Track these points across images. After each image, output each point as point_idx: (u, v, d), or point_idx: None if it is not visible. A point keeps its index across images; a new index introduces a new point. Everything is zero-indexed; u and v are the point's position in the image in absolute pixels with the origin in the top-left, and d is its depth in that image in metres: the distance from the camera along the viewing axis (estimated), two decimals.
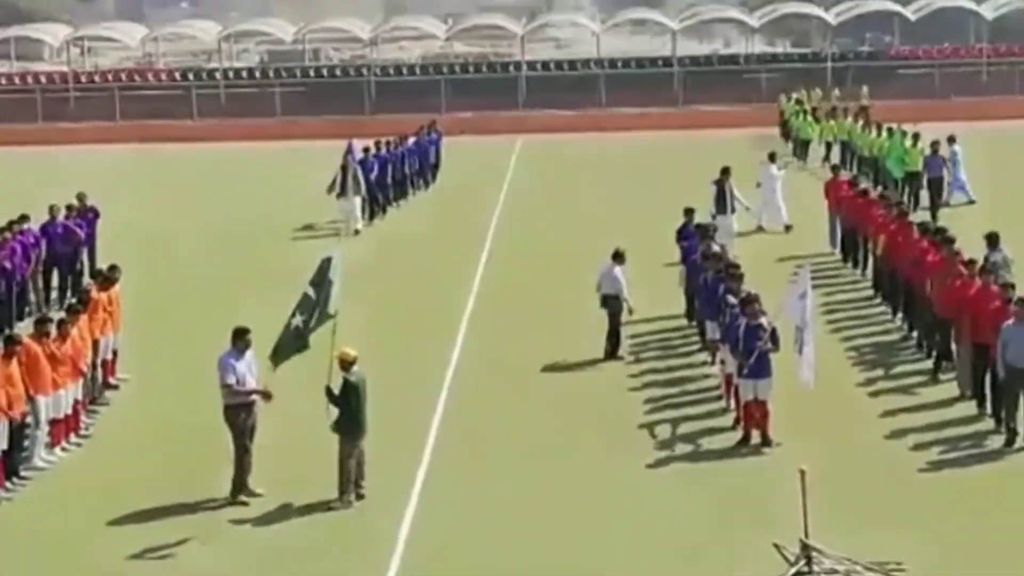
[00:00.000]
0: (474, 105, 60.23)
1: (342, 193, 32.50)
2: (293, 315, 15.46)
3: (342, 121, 57.88)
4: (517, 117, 60.21)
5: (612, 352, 20.91)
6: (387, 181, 35.39)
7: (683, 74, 63.38)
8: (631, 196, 38.11)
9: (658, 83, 62.62)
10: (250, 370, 15.54)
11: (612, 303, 20.95)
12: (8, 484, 15.90)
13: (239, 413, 15.43)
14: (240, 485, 15.45)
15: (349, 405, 15.16)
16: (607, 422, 18.06)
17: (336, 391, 15.25)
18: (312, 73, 67.55)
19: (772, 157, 32.39)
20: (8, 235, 23.80)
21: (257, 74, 67.86)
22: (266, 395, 15.53)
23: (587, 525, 14.78)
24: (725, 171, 28.58)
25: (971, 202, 33.85)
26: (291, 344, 15.40)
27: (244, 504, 15.29)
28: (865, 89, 55.03)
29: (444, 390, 19.67)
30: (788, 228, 30.83)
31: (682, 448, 17.04)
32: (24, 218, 24.65)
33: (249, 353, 15.61)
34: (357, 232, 32.06)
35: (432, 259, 29.49)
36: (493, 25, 73.40)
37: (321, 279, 15.63)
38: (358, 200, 32.74)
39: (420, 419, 18.18)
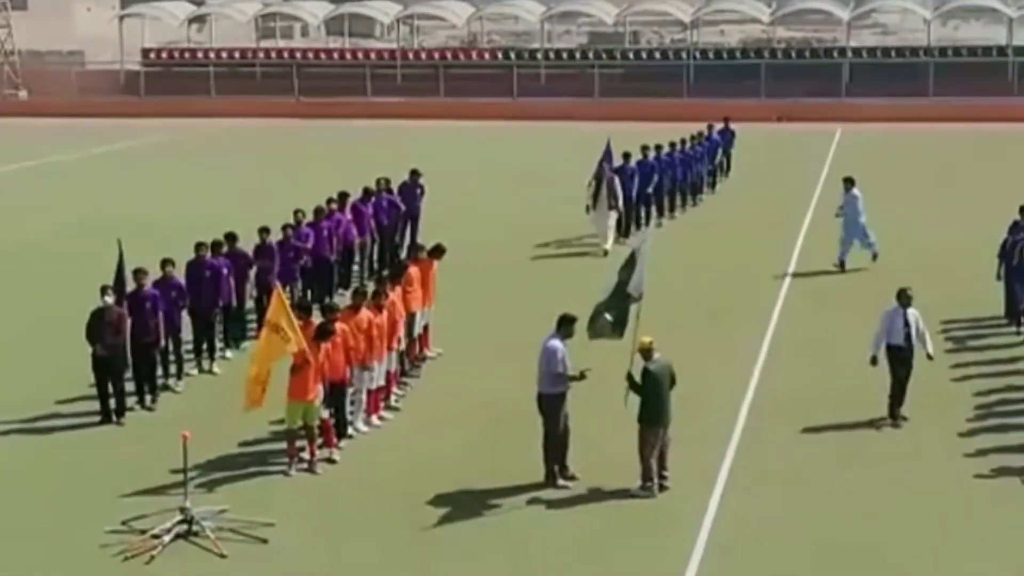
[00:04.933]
0: (794, 91, 59.04)
1: (594, 206, 28.65)
2: (608, 302, 15.36)
3: (660, 104, 57.85)
4: (838, 104, 58.71)
5: (893, 415, 17.41)
6: (649, 191, 30.74)
7: (1019, 64, 60.45)
8: (957, 191, 36.61)
9: (991, 73, 59.94)
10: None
11: (900, 356, 17.37)
12: (340, 446, 16.43)
13: (556, 400, 15.27)
14: (555, 470, 15.34)
15: (648, 393, 14.98)
16: (923, 408, 17.27)
17: (637, 378, 15.08)
18: (631, 56, 67.57)
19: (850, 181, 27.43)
20: (335, 207, 24.56)
21: (577, 55, 68.35)
22: (582, 376, 15.29)
23: (910, 523, 14.17)
24: None
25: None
26: (604, 327, 15.33)
27: (565, 487, 15.22)
28: None
29: (754, 378, 19.29)
30: (875, 256, 26.78)
31: (1009, 459, 16.13)
32: (344, 196, 25.32)
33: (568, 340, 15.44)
34: (606, 253, 27.94)
35: (744, 248, 28.98)
36: (818, 10, 71.75)
37: (630, 264, 15.50)
38: (613, 215, 28.82)
39: (728, 407, 17.85)
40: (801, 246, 28.93)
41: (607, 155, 29.15)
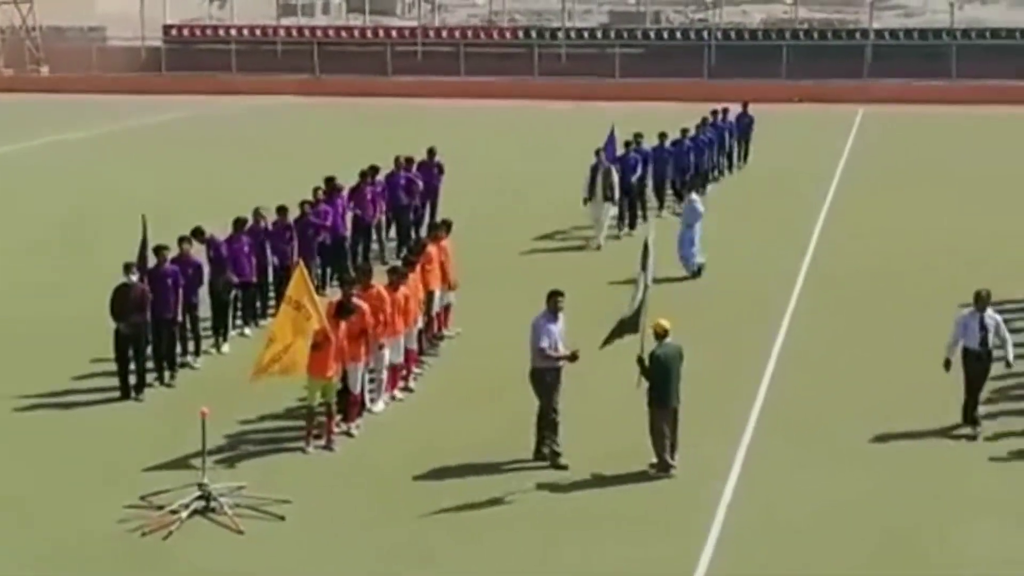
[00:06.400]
0: (816, 72, 58.80)
1: (590, 197, 27.40)
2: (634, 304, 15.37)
3: (681, 84, 57.72)
4: (860, 86, 58.47)
5: (969, 419, 16.55)
6: (645, 181, 29.58)
7: None
8: (979, 171, 36.47)
9: (1014, 55, 59.57)
10: (561, 335, 15.47)
11: (976, 361, 16.50)
12: (359, 422, 16.54)
13: (545, 377, 15.41)
14: (553, 451, 15.41)
15: (655, 377, 15.00)
16: (941, 403, 17.18)
17: (647, 362, 15.10)
18: (653, 35, 67.35)
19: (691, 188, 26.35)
20: (359, 184, 24.68)
21: (599, 35, 68.16)
22: (574, 358, 15.43)
23: (922, 501, 14.15)
24: None
25: None
26: (623, 329, 15.36)
27: (564, 468, 15.26)
28: None
29: (771, 363, 19.25)
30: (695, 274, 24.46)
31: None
32: (375, 169, 25.45)
33: (562, 317, 15.58)
34: (599, 247, 27.08)
35: (758, 237, 28.76)
36: None
37: (644, 260, 15.54)
38: (608, 207, 27.52)
39: (744, 393, 17.83)
40: (818, 235, 28.59)
41: (608, 144, 28.49)
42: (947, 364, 16.52)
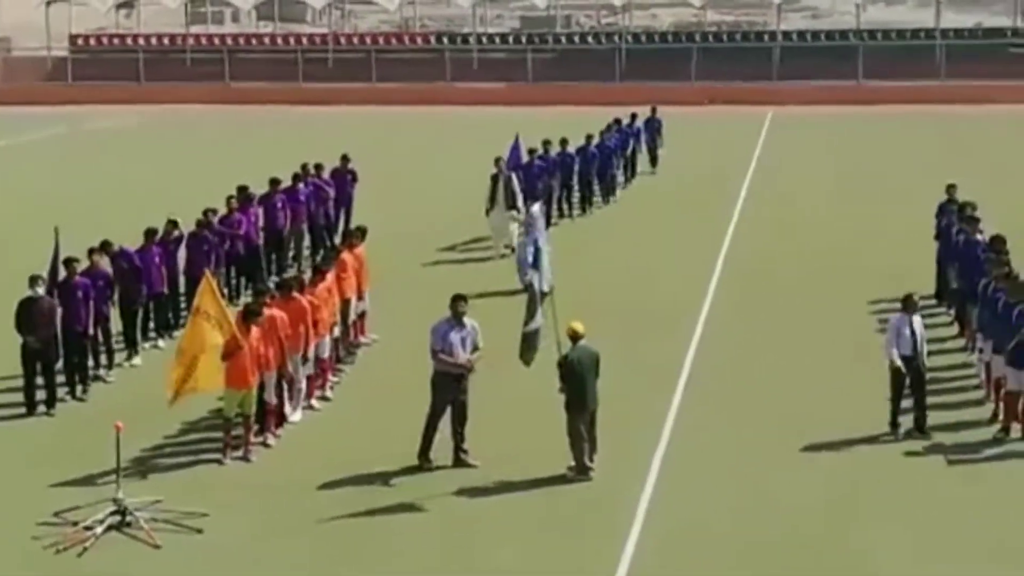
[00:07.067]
0: (726, 74, 59.31)
1: (491, 206, 26.67)
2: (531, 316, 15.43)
3: (593, 88, 57.99)
4: (769, 88, 59.06)
5: (918, 428, 16.41)
6: (552, 184, 29.43)
7: (946, 47, 61.08)
8: (887, 171, 37.00)
9: (919, 56, 60.52)
10: (464, 341, 15.47)
11: (909, 366, 16.28)
12: (278, 433, 16.48)
13: (442, 381, 15.46)
14: (424, 451, 15.50)
15: (569, 380, 15.07)
16: (856, 401, 17.42)
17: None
18: (564, 40, 67.59)
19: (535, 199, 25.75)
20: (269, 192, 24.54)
21: (510, 39, 68.26)
22: (469, 368, 15.49)
23: (837, 506, 14.30)
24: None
25: None
26: (533, 341, 15.42)
27: (429, 469, 15.33)
28: None
29: (687, 366, 19.36)
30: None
31: (936, 438, 16.31)
32: (275, 182, 25.21)
33: (468, 322, 15.57)
34: (503, 256, 26.25)
35: (670, 241, 28.83)
36: None
37: (537, 262, 15.64)
38: (512, 215, 26.53)
39: (661, 396, 17.91)
40: (731, 237, 28.67)
41: (512, 151, 28.10)
42: (897, 370, 16.19)
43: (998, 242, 19.38)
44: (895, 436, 16.28)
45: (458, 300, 15.64)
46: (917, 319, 16.39)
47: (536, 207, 23.57)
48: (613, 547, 13.38)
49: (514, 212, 26.55)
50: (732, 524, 13.99)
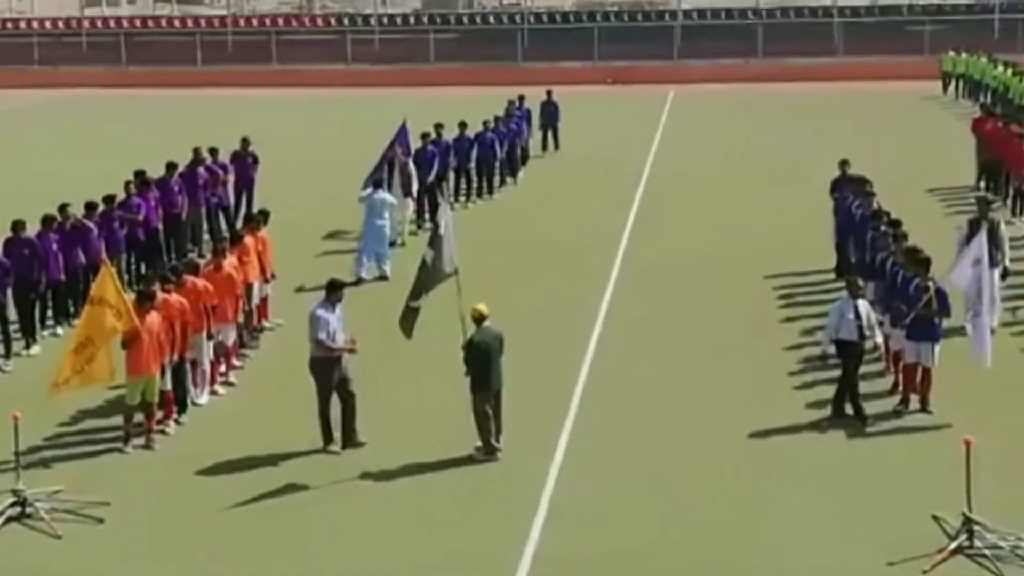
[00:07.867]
0: (627, 53, 59.58)
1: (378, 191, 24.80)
2: (417, 288, 15.44)
3: (495, 68, 57.97)
4: (671, 67, 59.44)
5: (855, 413, 16.12)
6: (448, 175, 29.14)
7: (843, 24, 61.84)
8: (785, 148, 37.37)
9: (818, 33, 61.23)
10: (340, 325, 15.52)
11: (851, 350, 16.20)
12: (179, 419, 16.30)
13: (324, 367, 15.44)
14: (328, 436, 15.48)
15: (473, 361, 15.08)
16: (759, 381, 17.62)
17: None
18: (466, 20, 67.43)
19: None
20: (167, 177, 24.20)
21: (412, 20, 67.97)
22: (352, 350, 15.54)
23: (736, 486, 14.42)
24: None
25: None
26: (412, 314, 15.46)
27: (336, 453, 15.31)
28: None
29: (591, 347, 19.40)
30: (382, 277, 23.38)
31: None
32: (172, 166, 24.85)
33: (339, 307, 15.60)
34: (403, 244, 25.59)
35: (579, 213, 29.02)
36: None
37: (435, 240, 15.59)
38: (409, 203, 26.46)
39: (566, 377, 17.95)
40: (634, 217, 28.72)
41: (400, 137, 27.04)
42: (824, 357, 16.44)
43: (877, 218, 19.69)
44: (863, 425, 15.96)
45: (337, 286, 15.67)
46: (862, 303, 16.22)
47: (383, 191, 24.17)
48: (520, 526, 13.38)
49: (408, 199, 26.33)
50: (639, 502, 14.06)
